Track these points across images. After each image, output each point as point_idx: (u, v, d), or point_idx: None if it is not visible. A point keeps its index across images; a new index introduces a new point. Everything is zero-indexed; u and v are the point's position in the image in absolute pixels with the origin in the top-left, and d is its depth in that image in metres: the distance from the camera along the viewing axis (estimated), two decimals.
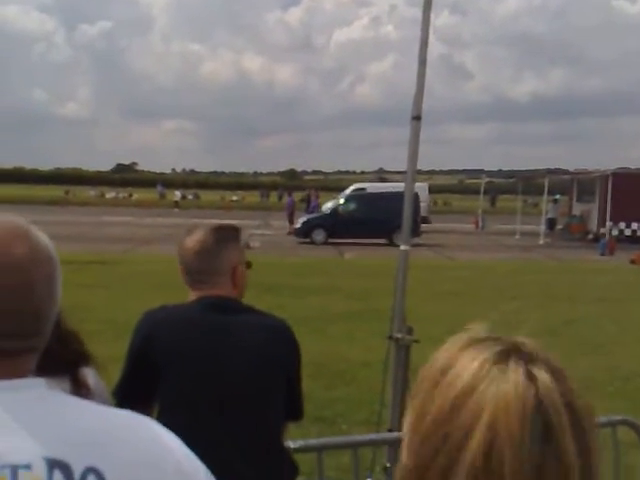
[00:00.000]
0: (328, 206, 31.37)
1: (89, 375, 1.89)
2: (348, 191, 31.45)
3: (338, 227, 23.63)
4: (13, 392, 0.86)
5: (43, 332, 0.91)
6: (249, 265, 2.18)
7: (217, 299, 2.03)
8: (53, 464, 0.81)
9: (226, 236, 2.08)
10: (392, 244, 23.31)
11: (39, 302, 0.88)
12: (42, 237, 0.92)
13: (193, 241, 2.05)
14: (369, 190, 28.97)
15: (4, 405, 0.84)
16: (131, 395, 2.01)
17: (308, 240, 23.60)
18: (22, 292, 0.86)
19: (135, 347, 2.03)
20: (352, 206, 24.68)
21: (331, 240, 23.35)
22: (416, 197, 24.66)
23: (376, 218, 23.07)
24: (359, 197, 25.31)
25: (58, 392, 0.93)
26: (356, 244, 22.74)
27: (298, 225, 24.81)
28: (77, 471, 0.82)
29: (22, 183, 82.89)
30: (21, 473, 0.80)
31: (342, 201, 25.52)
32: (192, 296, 2.08)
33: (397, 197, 22.60)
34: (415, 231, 23.15)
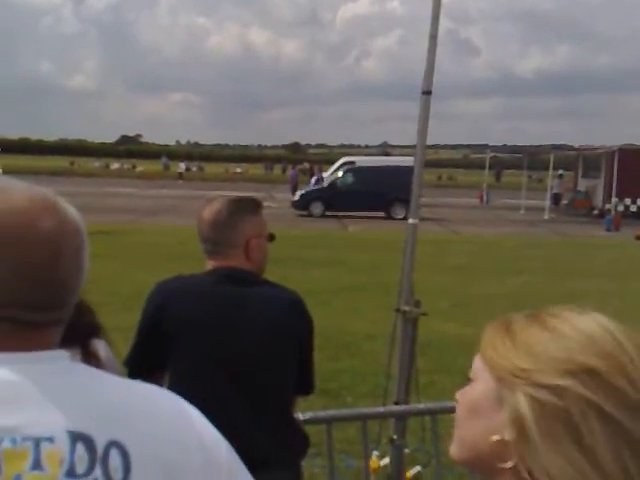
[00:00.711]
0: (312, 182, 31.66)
1: (100, 347, 1.89)
2: (336, 165, 31.70)
3: (336, 200, 23.69)
4: (37, 364, 0.85)
5: (69, 304, 0.89)
6: (271, 238, 2.17)
7: (231, 270, 2.03)
8: (76, 437, 0.81)
9: (242, 208, 2.08)
10: (390, 217, 23.43)
11: (67, 275, 0.87)
12: (70, 209, 0.91)
13: (209, 212, 2.07)
14: (358, 164, 29.07)
15: (29, 377, 0.83)
16: (142, 364, 2.03)
17: (306, 213, 23.65)
18: (51, 264, 0.85)
19: (147, 316, 2.03)
20: (350, 179, 24.66)
21: (329, 213, 23.39)
22: (411, 171, 24.62)
23: (374, 191, 23.16)
24: (357, 170, 25.23)
25: (81, 365, 0.93)
26: (354, 217, 22.75)
27: (296, 198, 24.86)
28: (100, 444, 0.82)
29: (27, 154, 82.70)
30: (44, 446, 0.79)
31: (340, 174, 25.48)
32: (208, 266, 2.08)
33: (395, 171, 22.57)
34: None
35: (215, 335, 1.96)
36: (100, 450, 0.81)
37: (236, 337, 1.96)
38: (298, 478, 2.07)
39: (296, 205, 24.33)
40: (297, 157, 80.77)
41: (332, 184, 24.89)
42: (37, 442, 0.79)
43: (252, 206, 2.12)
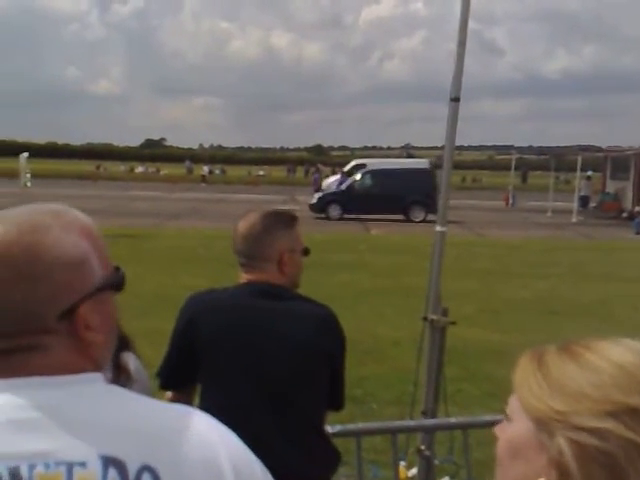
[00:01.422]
0: (328, 182, 31.66)
1: (130, 360, 1.87)
2: (347, 167, 32.04)
3: (354, 203, 23.60)
4: (74, 387, 0.85)
5: (29, 331, 0.87)
6: (306, 252, 2.15)
7: (263, 285, 2.02)
8: (108, 462, 0.81)
9: (276, 222, 2.07)
10: (408, 220, 23.34)
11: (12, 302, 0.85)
12: (61, 240, 0.88)
13: (244, 225, 2.06)
14: (369, 166, 29.20)
15: (61, 401, 0.84)
16: (173, 377, 2.06)
17: (323, 215, 23.59)
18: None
19: (179, 329, 2.04)
20: (368, 182, 24.56)
21: (346, 216, 23.33)
22: (432, 174, 24.74)
23: (392, 194, 23.10)
24: (375, 173, 25.08)
25: (114, 387, 0.92)
26: (373, 220, 22.65)
27: (314, 201, 24.80)
28: (132, 469, 0.81)
29: (55, 158, 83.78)
30: (76, 470, 0.80)
31: (358, 177, 25.39)
32: (241, 279, 2.07)
33: (413, 173, 22.64)
34: (431, 207, 23.10)
35: (244, 350, 1.95)
36: (132, 475, 0.81)
37: (265, 353, 1.94)
38: None
39: (313, 208, 24.23)
40: (320, 159, 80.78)
41: (350, 187, 24.83)
42: (70, 467, 0.80)
43: (286, 220, 2.11)
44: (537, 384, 0.84)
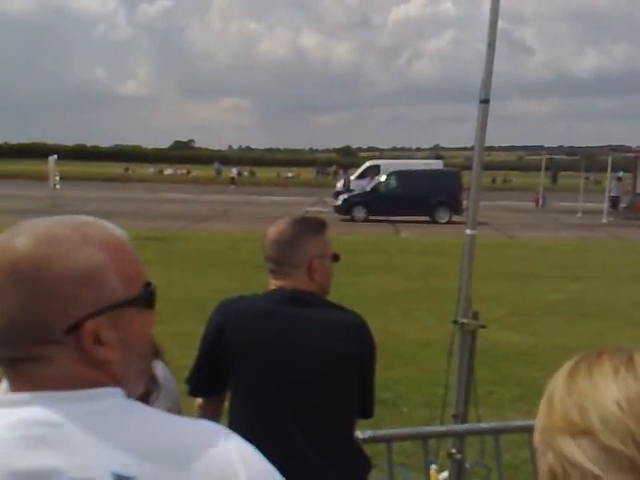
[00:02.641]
0: (339, 185, 32.19)
1: (158, 368, 1.88)
2: (361, 169, 32.58)
3: (379, 204, 23.47)
4: (88, 402, 0.85)
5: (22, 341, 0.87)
6: (336, 258, 2.13)
7: (292, 292, 2.00)
8: (120, 479, 0.80)
9: (306, 228, 2.06)
10: (434, 221, 23.20)
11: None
12: (73, 253, 0.87)
13: (273, 231, 2.06)
14: (384, 167, 29.07)
15: (74, 416, 0.83)
16: (203, 384, 2.05)
17: (348, 217, 23.50)
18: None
19: (208, 336, 2.03)
20: (393, 183, 24.40)
21: (372, 217, 23.24)
22: (458, 175, 24.59)
23: (417, 195, 23.00)
24: (400, 174, 24.89)
25: (133, 402, 0.90)
26: (398, 221, 22.59)
27: (339, 202, 24.75)
28: None
29: (84, 160, 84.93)
30: None
31: (383, 178, 25.27)
32: (271, 285, 2.07)
33: (439, 175, 22.77)
34: (457, 209, 22.94)
35: (272, 358, 1.93)
36: None
37: (294, 362, 1.93)
38: None
39: (338, 210, 24.18)
40: (348, 160, 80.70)
41: (375, 189, 24.73)
42: None
43: (316, 226, 2.10)
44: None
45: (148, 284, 0.94)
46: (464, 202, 22.95)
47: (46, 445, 0.81)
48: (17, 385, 0.86)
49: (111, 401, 0.87)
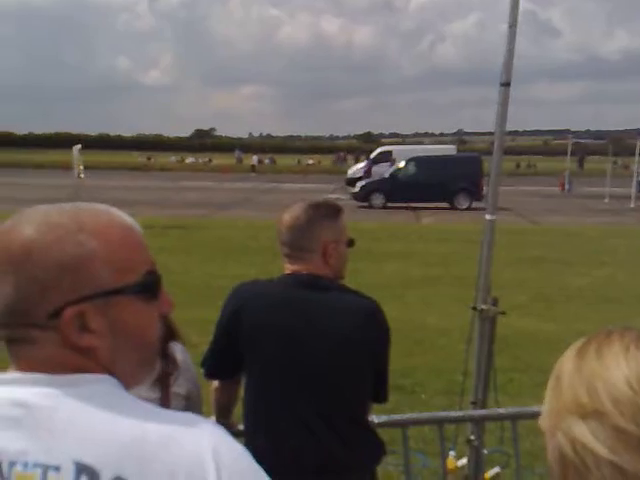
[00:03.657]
0: (355, 168, 32.24)
1: (177, 350, 1.91)
2: (373, 155, 32.36)
3: (397, 191, 23.29)
4: (69, 387, 0.85)
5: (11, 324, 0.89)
6: (351, 243, 2.13)
7: (306, 276, 2.01)
8: (81, 469, 0.81)
9: (320, 213, 2.05)
10: (453, 208, 22.99)
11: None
12: (61, 240, 0.87)
13: (288, 216, 2.06)
14: (395, 153, 28.76)
15: (48, 400, 0.84)
16: (217, 367, 2.09)
17: (366, 204, 23.35)
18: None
19: (223, 320, 2.06)
20: (411, 170, 24.21)
21: (390, 204, 23.07)
22: (479, 161, 24.32)
23: (435, 182, 22.81)
24: (419, 161, 24.67)
25: (116, 391, 0.89)
26: (417, 208, 22.44)
27: (356, 189, 24.60)
28: (104, 479, 0.81)
29: (107, 149, 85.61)
30: (50, 474, 0.81)
31: (401, 165, 25.08)
32: (286, 270, 2.08)
33: (457, 161, 22.59)
34: (478, 195, 22.72)
35: (284, 342, 1.95)
36: None
37: (306, 346, 1.94)
38: None
39: (356, 197, 24.02)
40: (370, 147, 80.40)
41: (393, 175, 24.53)
42: (45, 470, 0.81)
43: (331, 211, 2.09)
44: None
45: (150, 272, 0.93)
46: (484, 188, 22.85)
47: (17, 426, 0.82)
48: (12, 365, 0.89)
49: (92, 387, 0.86)
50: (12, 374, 0.88)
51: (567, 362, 0.84)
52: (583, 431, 0.76)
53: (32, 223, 0.88)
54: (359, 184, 25.33)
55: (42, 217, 0.89)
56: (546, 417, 0.83)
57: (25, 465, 0.81)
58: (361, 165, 33.07)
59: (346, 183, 29.78)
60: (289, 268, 2.06)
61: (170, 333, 1.85)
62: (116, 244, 0.90)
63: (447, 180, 22.80)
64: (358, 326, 1.95)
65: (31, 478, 0.81)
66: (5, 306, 0.86)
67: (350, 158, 62.47)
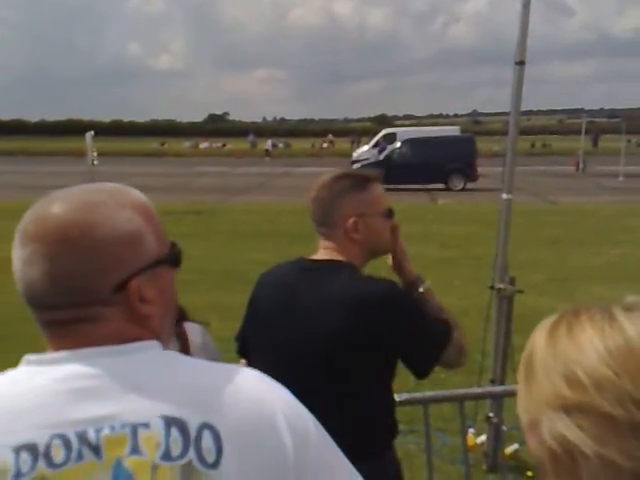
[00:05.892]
0: (361, 151, 32.23)
1: (196, 332, 1.94)
2: (377, 137, 32.19)
3: (392, 172, 23.01)
4: (130, 354, 0.90)
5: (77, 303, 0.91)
6: (389, 214, 1.95)
7: (306, 262, 1.89)
8: (170, 421, 0.85)
9: (342, 184, 1.88)
10: (448, 189, 22.88)
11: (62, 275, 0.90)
12: (113, 216, 0.92)
13: (314, 189, 1.92)
14: (400, 135, 28.48)
15: (121, 367, 0.88)
16: (242, 347, 2.05)
17: None
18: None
19: (248, 305, 2.01)
20: (406, 151, 24.03)
21: (386, 186, 22.84)
22: (472, 141, 24.03)
23: (431, 163, 22.71)
24: (414, 142, 24.49)
25: (171, 352, 0.96)
26: (411, 189, 22.21)
27: None
28: (192, 427, 0.85)
29: (120, 136, 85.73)
30: (140, 431, 0.84)
31: (397, 146, 24.91)
32: (320, 247, 1.93)
33: (451, 142, 22.22)
34: (472, 176, 22.53)
35: (276, 330, 1.86)
36: (193, 433, 0.84)
37: (293, 339, 1.81)
38: (381, 468, 1.82)
39: None
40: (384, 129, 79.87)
41: (388, 157, 24.39)
42: (134, 428, 0.84)
43: (356, 182, 1.90)
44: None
45: (174, 244, 1.00)
46: (478, 168, 22.70)
47: (96, 395, 0.86)
48: (62, 344, 0.90)
49: (153, 352, 0.92)
50: (64, 352, 0.89)
51: (539, 342, 0.80)
52: (569, 426, 0.72)
53: (72, 203, 0.92)
54: (354, 166, 25.29)
55: (81, 197, 0.93)
56: (524, 412, 0.79)
57: (112, 428, 0.84)
58: (366, 147, 32.98)
59: (352, 165, 29.85)
60: (318, 247, 1.92)
61: (180, 314, 1.86)
62: (153, 218, 0.97)
63: (441, 161, 22.66)
64: (348, 320, 1.73)
65: (122, 437, 0.83)
66: (66, 287, 0.89)
67: (364, 140, 62.12)
